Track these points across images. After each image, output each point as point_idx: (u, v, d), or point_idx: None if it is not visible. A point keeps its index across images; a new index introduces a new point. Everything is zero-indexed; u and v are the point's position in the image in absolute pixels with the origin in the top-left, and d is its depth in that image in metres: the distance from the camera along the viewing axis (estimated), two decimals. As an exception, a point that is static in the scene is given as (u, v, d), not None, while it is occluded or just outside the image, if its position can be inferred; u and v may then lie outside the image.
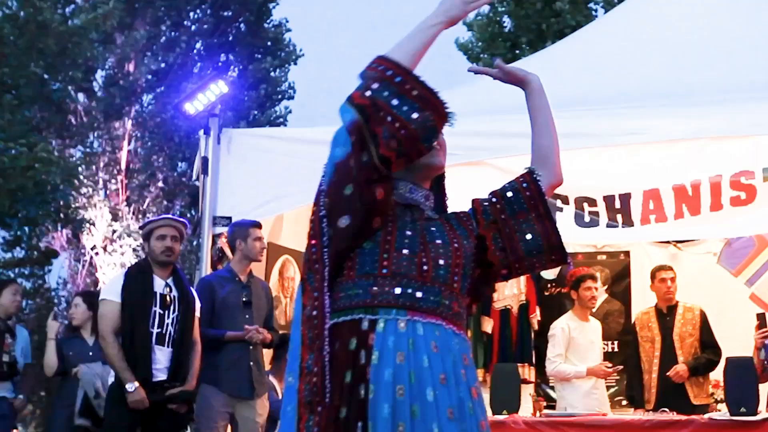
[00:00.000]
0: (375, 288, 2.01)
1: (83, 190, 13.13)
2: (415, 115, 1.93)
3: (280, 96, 18.21)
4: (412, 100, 1.94)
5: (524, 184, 2.18)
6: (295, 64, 18.57)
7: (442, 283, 2.04)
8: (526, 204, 2.15)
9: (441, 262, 2.04)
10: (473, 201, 2.21)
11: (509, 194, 2.17)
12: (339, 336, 2.01)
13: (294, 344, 2.07)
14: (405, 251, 2.03)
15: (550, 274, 6.76)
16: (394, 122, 1.92)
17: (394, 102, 1.93)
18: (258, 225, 5.05)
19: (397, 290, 2.00)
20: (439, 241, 2.07)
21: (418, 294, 2.01)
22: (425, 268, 2.02)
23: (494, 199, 2.18)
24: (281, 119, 18.29)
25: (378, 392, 1.92)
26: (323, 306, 2.04)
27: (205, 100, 5.71)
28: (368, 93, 1.95)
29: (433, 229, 2.10)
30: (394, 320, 1.98)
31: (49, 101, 11.12)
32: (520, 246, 2.13)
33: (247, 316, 4.90)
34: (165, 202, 14.95)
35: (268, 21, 18.13)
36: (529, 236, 2.13)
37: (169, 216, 5.17)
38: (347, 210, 1.98)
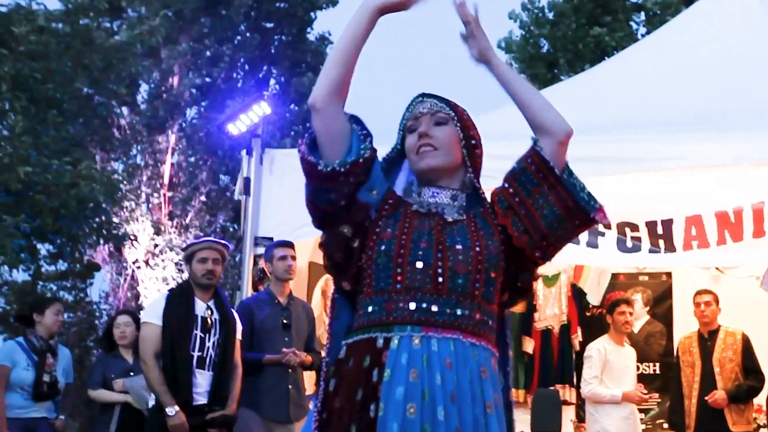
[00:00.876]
0: (390, 304, 1.99)
1: (125, 204, 13.29)
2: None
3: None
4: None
5: (529, 159, 2.09)
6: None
7: (460, 294, 1.99)
8: (535, 179, 2.06)
9: (459, 270, 1.99)
10: (492, 192, 2.15)
11: (519, 174, 2.09)
12: (354, 354, 2.00)
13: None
14: (419, 264, 1.99)
15: (593, 298, 6.75)
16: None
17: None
18: (284, 244, 5.05)
19: (412, 305, 1.97)
20: (459, 247, 2.01)
21: (434, 308, 1.97)
22: (440, 279, 1.98)
23: (506, 184, 2.10)
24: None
25: (387, 410, 1.89)
26: (330, 328, 2.13)
27: (248, 120, 5.80)
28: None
29: (455, 233, 2.04)
30: (409, 336, 1.95)
31: (94, 116, 11.29)
32: (542, 222, 2.03)
33: (286, 339, 4.93)
34: (207, 217, 15.10)
35: (309, 32, 18.27)
36: (546, 209, 2.04)
37: (211, 239, 5.22)
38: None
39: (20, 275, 13.19)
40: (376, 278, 2.03)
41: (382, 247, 2.02)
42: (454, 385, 1.92)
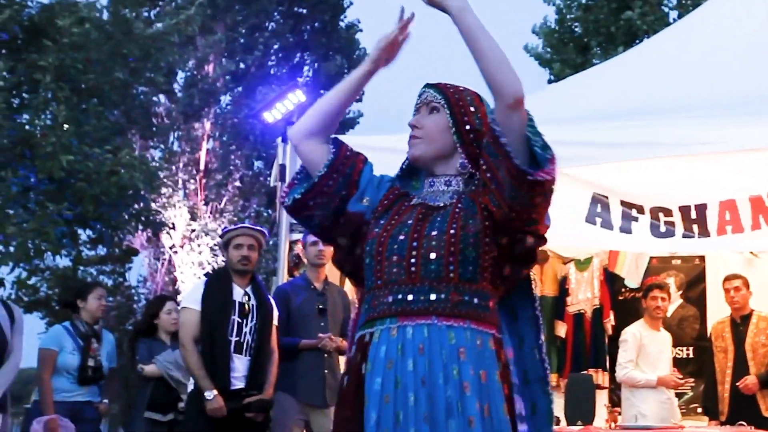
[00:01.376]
0: (374, 301, 2.06)
1: (163, 190, 13.42)
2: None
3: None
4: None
5: (488, 131, 2.03)
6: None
7: (433, 279, 1.99)
8: (495, 150, 1.98)
9: (432, 256, 2.00)
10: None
11: (486, 147, 2.02)
12: (354, 352, 2.10)
13: None
14: (394, 258, 2.04)
15: (632, 281, 6.68)
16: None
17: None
18: None
19: (390, 298, 2.02)
20: (434, 233, 2.02)
21: (409, 297, 2.00)
22: (413, 269, 2.01)
23: (482, 160, 2.05)
24: (354, 122, 18.43)
25: (368, 401, 1.96)
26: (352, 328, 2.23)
27: (283, 108, 5.83)
28: None
29: (437, 220, 2.05)
30: (387, 329, 2.00)
31: (133, 105, 11.40)
32: (504, 193, 1.98)
33: (322, 324, 4.96)
34: (241, 202, 15.21)
35: (342, 19, 18.26)
36: (506, 180, 1.96)
37: (247, 225, 5.25)
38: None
39: (62, 261, 13.38)
40: (366, 278, 2.11)
41: (367, 248, 2.10)
42: (426, 370, 1.93)
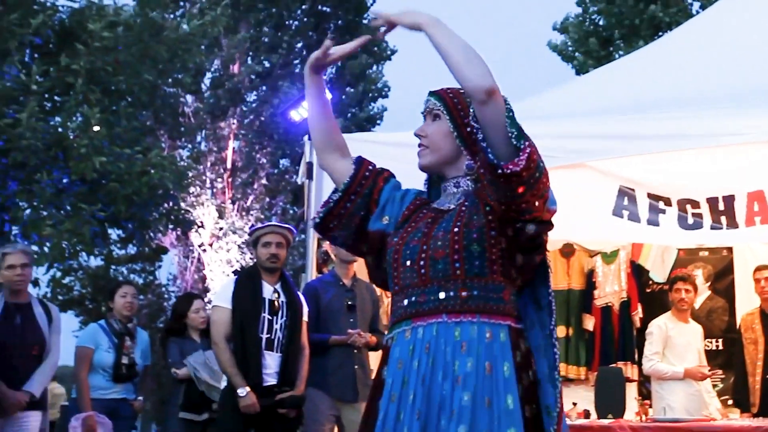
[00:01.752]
0: (394, 306, 2.13)
1: (191, 189, 13.51)
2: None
3: (375, 94, 18.36)
4: None
5: None
6: (390, 60, 18.70)
7: (441, 278, 2.04)
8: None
9: (438, 256, 2.04)
10: None
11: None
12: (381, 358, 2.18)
13: None
14: (408, 262, 2.09)
15: (658, 275, 6.63)
16: None
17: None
18: None
19: (405, 302, 2.08)
20: (440, 233, 2.06)
21: (421, 299, 2.05)
22: (423, 271, 2.05)
23: (477, 157, 2.06)
24: (378, 117, 18.44)
25: (382, 401, 2.04)
26: None
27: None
28: None
29: (443, 222, 2.09)
30: (402, 331, 2.07)
31: (162, 105, 11.49)
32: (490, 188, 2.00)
33: (351, 320, 4.96)
34: (268, 199, 15.27)
35: (365, 17, 18.26)
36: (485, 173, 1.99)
37: (275, 223, 5.26)
38: None
39: (94, 260, 13.51)
40: (390, 286, 2.18)
41: (387, 258, 2.17)
42: (428, 368, 1.98)
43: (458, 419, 1.91)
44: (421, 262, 2.06)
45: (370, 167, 2.29)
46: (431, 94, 2.23)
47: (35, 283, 10.56)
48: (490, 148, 1.93)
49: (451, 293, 2.03)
